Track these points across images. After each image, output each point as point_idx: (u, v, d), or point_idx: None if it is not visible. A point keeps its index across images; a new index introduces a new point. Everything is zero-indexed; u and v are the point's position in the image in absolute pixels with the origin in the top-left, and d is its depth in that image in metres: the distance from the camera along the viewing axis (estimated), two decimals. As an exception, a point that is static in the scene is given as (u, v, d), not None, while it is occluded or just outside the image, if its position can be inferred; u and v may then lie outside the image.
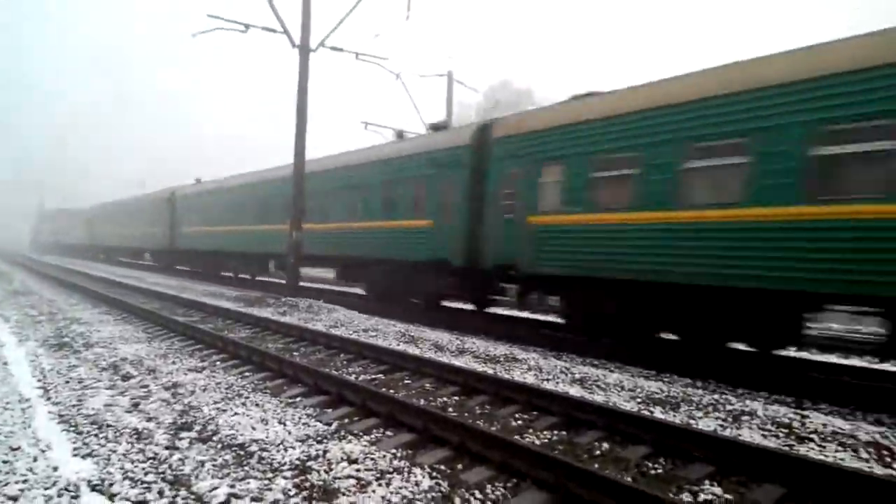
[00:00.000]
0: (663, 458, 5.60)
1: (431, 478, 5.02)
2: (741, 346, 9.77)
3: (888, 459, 5.47)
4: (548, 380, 8.54)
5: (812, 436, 6.11)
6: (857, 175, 7.92)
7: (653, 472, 5.34)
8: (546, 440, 6.18)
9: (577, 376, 8.73)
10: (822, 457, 5.48)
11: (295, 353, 10.33)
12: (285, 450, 5.63)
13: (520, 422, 6.73)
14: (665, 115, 9.92)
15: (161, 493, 4.69)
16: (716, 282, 9.15)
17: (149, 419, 6.55)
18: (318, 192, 19.47)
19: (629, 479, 5.08)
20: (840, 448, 5.79)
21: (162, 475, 5.04)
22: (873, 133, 7.71)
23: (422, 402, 7.30)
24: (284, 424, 6.42)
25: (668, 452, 5.65)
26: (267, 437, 5.98)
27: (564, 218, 11.54)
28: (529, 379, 8.48)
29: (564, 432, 6.39)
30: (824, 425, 6.43)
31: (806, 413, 6.99)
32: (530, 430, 6.42)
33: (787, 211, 8.38)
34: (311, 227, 19.02)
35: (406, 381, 8.49)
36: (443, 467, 5.31)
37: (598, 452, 5.80)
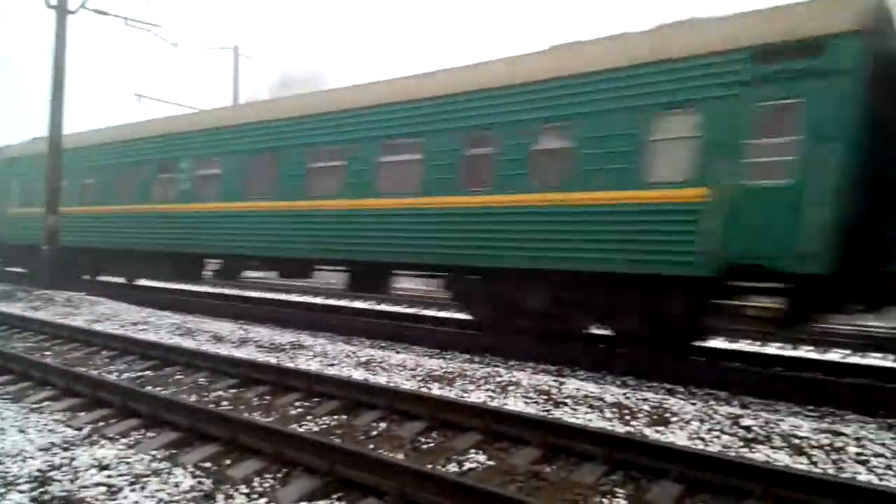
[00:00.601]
0: (437, 432, 5.79)
1: (194, 477, 4.70)
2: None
3: (628, 418, 6.15)
4: (333, 365, 8.47)
5: (567, 400, 6.70)
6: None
7: (426, 446, 5.49)
8: (325, 426, 6.09)
9: (363, 359, 8.75)
10: (574, 419, 6.03)
11: (46, 353, 9.16)
12: (24, 461, 4.94)
13: (300, 410, 6.58)
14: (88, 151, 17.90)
15: None
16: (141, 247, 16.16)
17: None
18: None
19: (401, 455, 5.18)
20: (590, 410, 6.41)
21: None
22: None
23: (193, 397, 6.86)
24: (25, 433, 5.63)
25: (442, 426, 5.86)
26: (2, 449, 5.20)
27: (21, 211, 20.03)
28: (314, 365, 8.34)
29: (345, 416, 6.36)
30: (578, 390, 7.08)
31: (564, 380, 7.66)
32: (309, 418, 6.29)
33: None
34: None
35: (178, 377, 7.91)
36: (209, 465, 5.01)
37: (375, 433, 5.85)
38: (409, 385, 7.32)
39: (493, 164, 9.85)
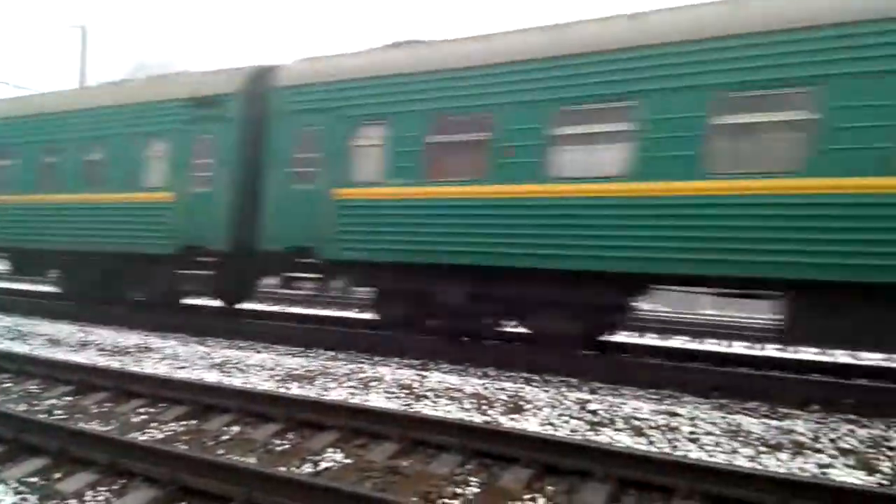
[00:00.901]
0: (293, 433, 5.62)
1: (17, 493, 4.27)
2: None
3: (486, 408, 6.29)
4: (184, 367, 8.01)
5: (429, 393, 6.75)
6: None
7: (280, 448, 5.30)
8: (171, 433, 5.73)
9: (218, 361, 8.36)
10: (434, 412, 6.07)
11: None
12: None
13: (144, 416, 6.14)
14: None
15: None
16: None
17: None
18: None
19: (253, 459, 4.98)
20: (450, 402, 6.49)
21: None
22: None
23: (21, 407, 6.22)
24: None
25: (300, 426, 5.70)
26: None
27: None
28: (162, 369, 7.86)
29: (194, 421, 6.02)
30: (440, 382, 7.17)
31: (427, 373, 7.73)
32: (154, 425, 5.88)
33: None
34: None
35: (6, 385, 7.14)
36: (35, 479, 4.55)
37: (226, 437, 5.57)
38: (266, 385, 7.07)
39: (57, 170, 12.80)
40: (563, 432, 5.53)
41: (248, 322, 11.56)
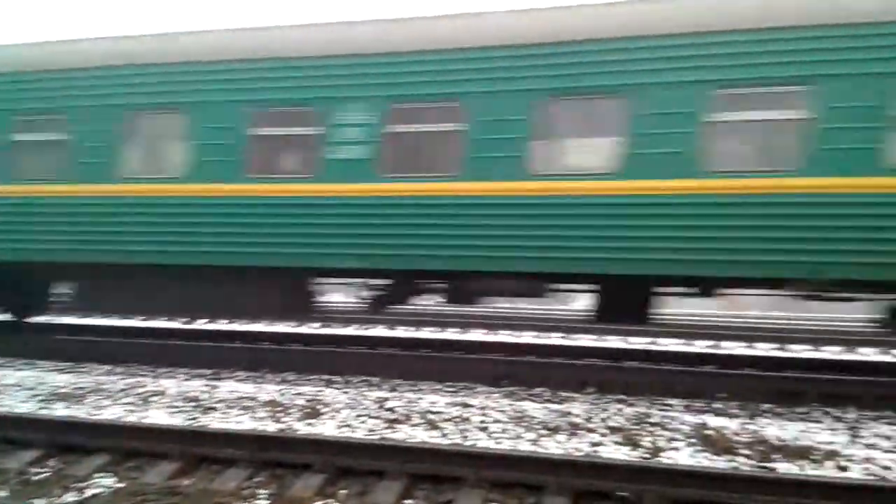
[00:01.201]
0: (55, 459, 4.97)
1: None
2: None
3: (281, 415, 6.04)
4: (-83, 394, 6.77)
5: (219, 405, 6.33)
6: None
7: (38, 477, 4.65)
8: None
9: (-37, 383, 7.17)
10: (222, 424, 5.70)
11: None
12: None
13: None
14: None
15: None
16: None
17: None
18: None
19: (3, 493, 4.30)
20: (242, 412, 6.13)
21: None
22: None
23: None
24: None
25: (63, 451, 5.05)
26: None
27: None
28: None
29: (-74, 456, 5.08)
30: (232, 392, 6.77)
31: (219, 383, 7.27)
32: None
33: None
34: None
35: None
36: None
37: (-33, 472, 4.77)
38: (25, 407, 6.20)
39: None
40: (360, 433, 5.46)
41: None
